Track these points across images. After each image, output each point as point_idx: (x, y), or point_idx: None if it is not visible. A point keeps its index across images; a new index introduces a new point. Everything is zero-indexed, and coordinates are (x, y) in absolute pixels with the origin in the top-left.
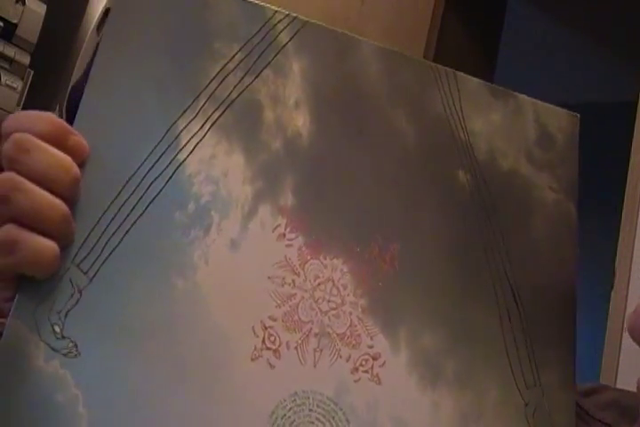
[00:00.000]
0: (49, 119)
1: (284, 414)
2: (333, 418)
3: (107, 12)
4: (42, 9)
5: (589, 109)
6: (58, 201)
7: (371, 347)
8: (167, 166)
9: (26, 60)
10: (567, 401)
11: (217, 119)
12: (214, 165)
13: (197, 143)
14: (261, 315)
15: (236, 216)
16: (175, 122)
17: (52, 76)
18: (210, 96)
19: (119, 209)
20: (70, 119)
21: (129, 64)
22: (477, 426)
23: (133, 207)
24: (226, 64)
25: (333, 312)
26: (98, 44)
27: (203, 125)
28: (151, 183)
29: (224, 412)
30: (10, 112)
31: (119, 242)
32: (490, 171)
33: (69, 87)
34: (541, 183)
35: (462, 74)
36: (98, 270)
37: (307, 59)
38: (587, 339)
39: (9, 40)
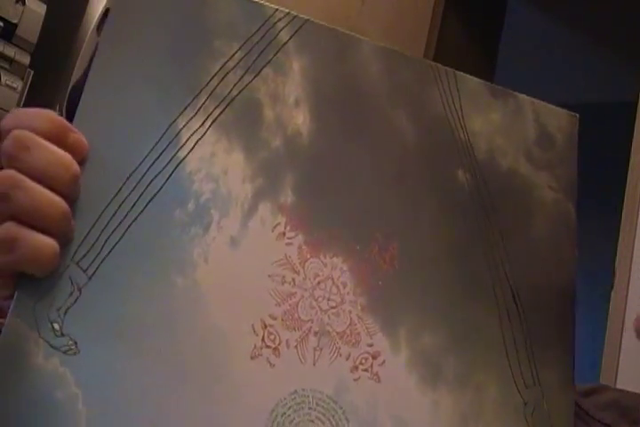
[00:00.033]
0: (48, 117)
1: (284, 413)
2: (333, 417)
3: (107, 12)
4: (42, 9)
5: (589, 109)
6: (57, 199)
7: (370, 345)
8: (167, 164)
9: (26, 60)
10: (566, 401)
11: (217, 117)
12: (214, 162)
13: (198, 141)
14: (261, 313)
15: (235, 214)
16: (175, 120)
17: (52, 76)
18: (210, 94)
19: (119, 207)
20: (70, 119)
21: (129, 63)
22: (476, 425)
23: (133, 205)
24: (226, 62)
25: (333, 311)
26: (98, 44)
27: (203, 123)
28: (151, 181)
29: (223, 410)
30: None
31: (119, 240)
32: (489, 170)
33: (69, 87)
34: (541, 183)
35: (462, 73)
36: (97, 268)
37: (307, 57)
38: (587, 339)
39: (9, 40)
